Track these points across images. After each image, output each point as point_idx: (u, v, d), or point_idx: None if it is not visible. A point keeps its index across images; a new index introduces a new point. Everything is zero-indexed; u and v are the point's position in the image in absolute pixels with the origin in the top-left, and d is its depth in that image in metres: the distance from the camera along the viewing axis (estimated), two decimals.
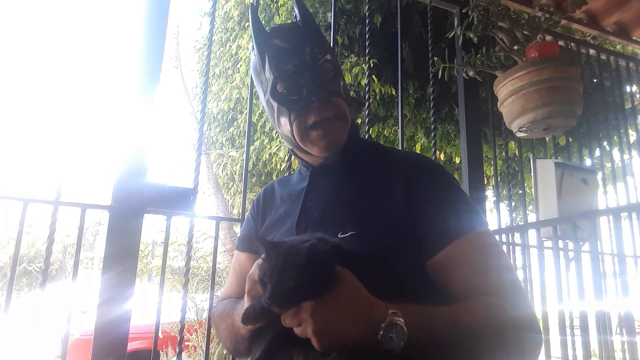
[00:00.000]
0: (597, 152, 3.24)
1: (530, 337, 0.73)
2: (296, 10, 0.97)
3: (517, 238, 2.23)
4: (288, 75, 0.88)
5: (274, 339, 0.71)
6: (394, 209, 0.82)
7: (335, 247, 0.69)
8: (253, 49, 0.95)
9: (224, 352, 5.56)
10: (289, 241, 0.68)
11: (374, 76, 3.65)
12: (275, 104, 0.90)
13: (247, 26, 5.29)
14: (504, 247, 2.15)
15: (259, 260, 0.69)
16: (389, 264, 0.76)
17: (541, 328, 0.78)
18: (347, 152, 0.93)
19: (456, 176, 4.77)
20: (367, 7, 2.11)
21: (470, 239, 0.79)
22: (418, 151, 4.18)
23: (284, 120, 0.90)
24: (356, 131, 0.98)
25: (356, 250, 0.72)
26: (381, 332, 0.62)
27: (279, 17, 3.93)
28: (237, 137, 6.66)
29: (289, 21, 3.74)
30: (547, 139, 2.78)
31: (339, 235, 0.80)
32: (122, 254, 1.34)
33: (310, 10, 3.65)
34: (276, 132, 4.80)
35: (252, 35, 0.94)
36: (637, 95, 3.51)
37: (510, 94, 1.81)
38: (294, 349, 0.67)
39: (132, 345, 4.17)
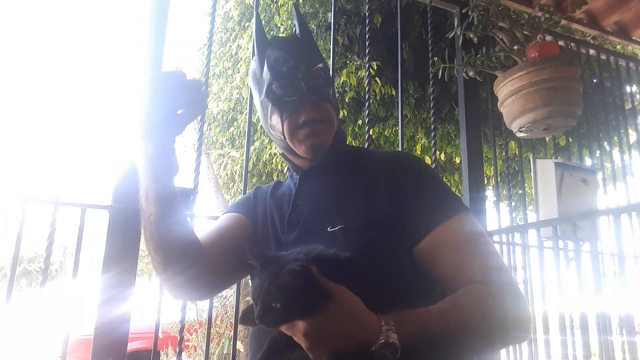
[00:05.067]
0: (597, 153, 3.24)
1: (516, 321, 0.75)
2: (296, 23, 1.04)
3: (517, 238, 2.23)
4: (283, 77, 0.94)
5: (273, 339, 0.71)
6: (379, 202, 0.86)
7: (331, 262, 0.68)
8: (253, 54, 1.02)
9: (224, 352, 5.56)
10: (283, 257, 0.67)
11: (376, 78, 3.65)
12: (269, 104, 0.96)
13: (247, 26, 5.28)
14: (504, 247, 2.15)
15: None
16: (379, 261, 0.78)
17: (529, 307, 0.80)
18: (334, 154, 0.98)
19: (456, 176, 4.77)
20: (367, 7, 2.11)
21: (453, 224, 0.82)
22: (418, 151, 4.19)
23: (276, 119, 0.95)
24: (342, 137, 1.05)
25: (350, 257, 0.72)
26: (375, 350, 0.63)
27: (279, 17, 3.93)
28: (237, 137, 6.65)
29: (289, 21, 3.75)
30: (547, 139, 2.78)
31: (328, 229, 0.83)
32: (122, 254, 1.34)
33: (311, 10, 3.65)
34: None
35: (254, 40, 1.01)
36: (637, 96, 3.51)
37: (510, 94, 1.81)
38: (292, 352, 0.67)
39: (132, 345, 4.17)
